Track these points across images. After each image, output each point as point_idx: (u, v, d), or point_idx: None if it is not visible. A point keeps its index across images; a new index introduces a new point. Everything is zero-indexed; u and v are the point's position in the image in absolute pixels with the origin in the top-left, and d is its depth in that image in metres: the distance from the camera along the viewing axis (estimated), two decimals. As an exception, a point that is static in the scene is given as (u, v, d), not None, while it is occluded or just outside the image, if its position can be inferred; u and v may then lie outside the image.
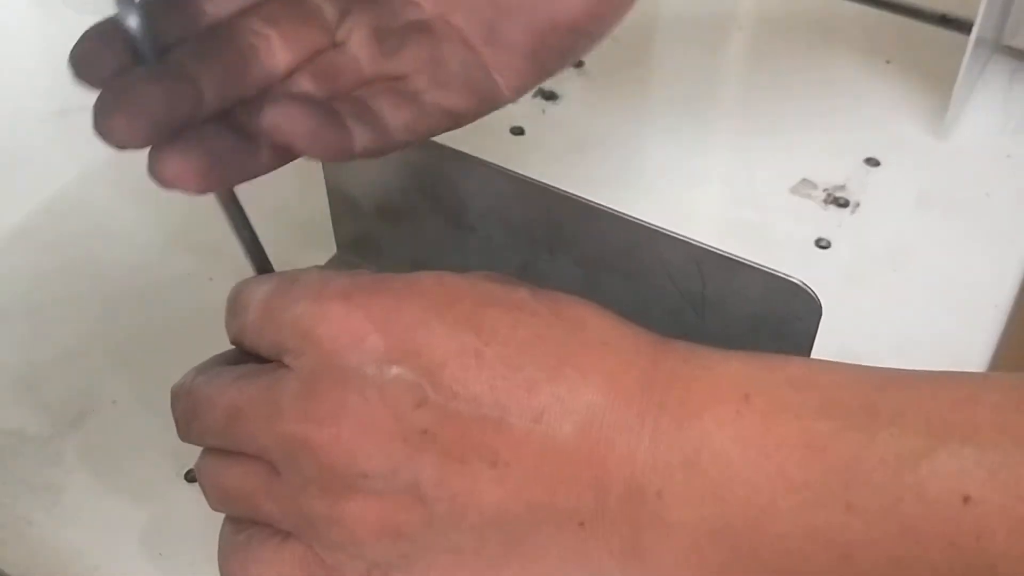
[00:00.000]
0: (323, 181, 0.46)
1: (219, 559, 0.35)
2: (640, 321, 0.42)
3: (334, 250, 0.48)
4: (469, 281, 0.33)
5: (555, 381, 0.31)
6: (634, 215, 0.39)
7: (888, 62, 0.59)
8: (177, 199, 0.52)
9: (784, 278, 0.36)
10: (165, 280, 0.48)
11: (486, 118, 0.56)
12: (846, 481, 0.28)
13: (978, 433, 0.27)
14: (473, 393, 0.30)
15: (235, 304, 0.35)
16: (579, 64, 0.59)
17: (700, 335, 0.40)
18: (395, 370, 0.31)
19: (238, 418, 0.33)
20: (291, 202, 0.50)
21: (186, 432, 0.35)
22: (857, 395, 0.29)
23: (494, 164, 0.41)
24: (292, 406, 0.31)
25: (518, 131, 0.56)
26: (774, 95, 0.58)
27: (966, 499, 0.27)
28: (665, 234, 0.38)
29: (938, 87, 0.57)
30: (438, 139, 0.42)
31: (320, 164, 0.45)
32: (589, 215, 0.40)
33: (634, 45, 0.61)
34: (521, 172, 0.42)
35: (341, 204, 0.46)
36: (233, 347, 0.35)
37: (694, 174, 0.54)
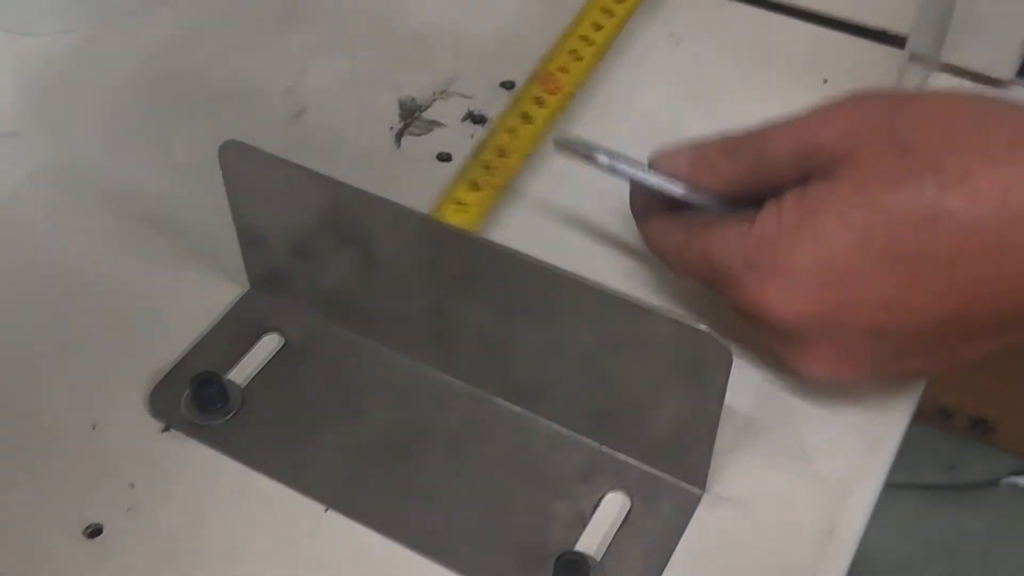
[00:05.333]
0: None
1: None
2: (555, 361, 0.41)
3: (248, 286, 0.47)
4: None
5: None
6: (546, 258, 0.38)
7: (825, 81, 0.58)
8: (110, 213, 0.50)
9: (690, 326, 0.35)
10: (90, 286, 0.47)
11: (413, 143, 0.55)
12: None
13: None
14: None
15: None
16: (509, 86, 0.57)
17: (616, 376, 0.40)
18: None
19: None
20: (203, 240, 0.49)
21: None
22: None
23: (400, 205, 0.40)
24: None
25: (445, 157, 0.54)
26: (706, 114, 0.56)
27: None
28: (573, 279, 0.37)
29: (875, 106, 0.55)
30: (348, 178, 0.41)
31: (228, 202, 0.44)
32: (498, 259, 0.39)
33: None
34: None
35: (250, 242, 0.45)
36: None
37: (621, 202, 0.52)
